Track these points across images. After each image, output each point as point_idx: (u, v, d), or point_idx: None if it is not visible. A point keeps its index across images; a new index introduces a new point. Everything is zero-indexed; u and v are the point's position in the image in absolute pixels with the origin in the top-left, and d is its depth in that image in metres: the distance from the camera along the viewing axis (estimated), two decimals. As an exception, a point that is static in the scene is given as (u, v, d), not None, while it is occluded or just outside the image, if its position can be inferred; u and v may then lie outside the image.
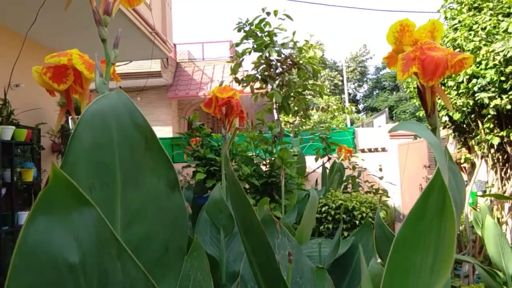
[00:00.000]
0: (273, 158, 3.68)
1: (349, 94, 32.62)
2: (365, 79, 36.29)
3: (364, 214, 4.09)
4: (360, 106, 35.95)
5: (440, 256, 0.52)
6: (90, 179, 0.59)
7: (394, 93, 31.67)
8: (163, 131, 11.27)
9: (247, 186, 3.55)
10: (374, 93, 34.58)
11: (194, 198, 3.52)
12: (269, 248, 0.71)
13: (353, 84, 36.53)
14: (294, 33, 5.26)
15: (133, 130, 0.63)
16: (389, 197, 5.51)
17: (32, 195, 5.04)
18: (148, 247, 0.64)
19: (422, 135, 0.62)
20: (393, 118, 24.10)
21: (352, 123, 20.75)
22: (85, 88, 0.83)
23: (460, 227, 4.64)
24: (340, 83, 30.99)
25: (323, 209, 4.35)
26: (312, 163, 6.00)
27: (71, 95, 0.84)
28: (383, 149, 8.36)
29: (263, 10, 4.74)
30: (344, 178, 5.41)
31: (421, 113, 6.21)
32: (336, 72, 32.79)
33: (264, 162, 3.79)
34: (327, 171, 5.29)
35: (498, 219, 4.26)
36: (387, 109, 12.93)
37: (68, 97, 0.84)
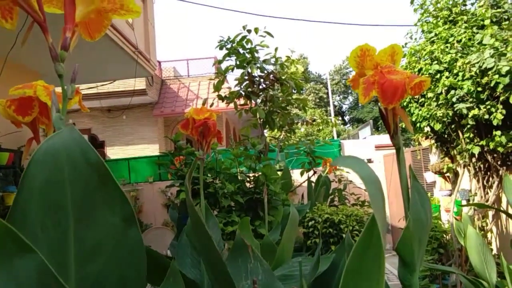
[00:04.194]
0: (257, 175, 3.68)
1: (335, 106, 32.96)
2: (349, 91, 36.72)
3: (351, 228, 4.10)
4: (346, 118, 36.31)
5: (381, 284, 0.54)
6: (42, 218, 0.59)
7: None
8: (149, 149, 11.22)
9: (232, 203, 3.53)
10: (359, 105, 34.97)
11: (179, 217, 3.48)
12: (229, 278, 0.71)
13: (338, 96, 36.95)
14: (276, 49, 5.33)
15: (85, 167, 0.63)
16: (375, 208, 5.53)
17: (14, 219, 4.94)
18: (105, 284, 0.63)
19: (356, 170, 0.63)
20: (379, 129, 24.37)
21: (338, 135, 20.92)
22: (51, 119, 0.83)
23: (447, 237, 4.68)
24: (325, 95, 31.32)
25: (310, 223, 4.35)
26: (299, 177, 6.02)
27: (37, 126, 0.84)
28: (369, 160, 8.43)
29: (244, 28, 4.80)
30: (330, 191, 5.43)
31: (403, 125, 6.29)
32: (321, 85, 33.14)
33: (248, 179, 3.78)
34: (313, 185, 5.30)
35: (482, 227, 4.30)
36: (371, 120, 13.09)
37: (34, 129, 0.84)
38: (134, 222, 0.65)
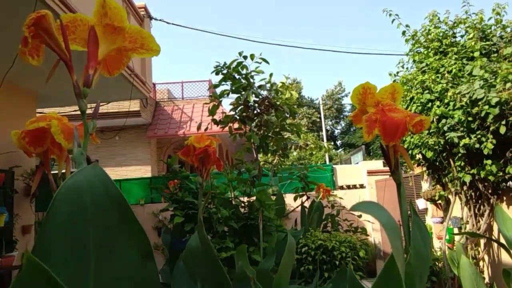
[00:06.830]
0: (251, 199, 3.68)
1: (327, 130, 33.21)
2: (341, 116, 37.16)
3: (344, 254, 4.09)
4: (338, 143, 36.57)
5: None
6: (64, 253, 0.60)
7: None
8: (142, 170, 11.16)
9: (226, 229, 3.51)
10: (351, 130, 35.31)
11: (172, 242, 3.46)
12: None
13: (331, 121, 37.30)
14: (271, 75, 5.41)
15: (107, 203, 0.64)
16: (368, 235, 5.54)
17: (2, 241, 4.83)
18: (121, 318, 0.64)
19: (376, 216, 0.66)
20: (370, 154, 24.54)
21: (330, 159, 21.02)
22: (63, 150, 0.85)
23: (439, 264, 4.68)
24: (317, 120, 31.60)
25: (303, 249, 4.33)
26: (292, 201, 6.01)
27: (49, 157, 0.86)
28: (361, 186, 8.47)
29: (240, 54, 4.89)
30: (324, 217, 5.42)
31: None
32: (314, 110, 33.49)
33: (242, 204, 3.78)
34: (306, 210, 5.30)
35: (475, 256, 4.32)
36: (363, 146, 13.21)
37: (45, 159, 0.85)
38: (151, 256, 0.66)
